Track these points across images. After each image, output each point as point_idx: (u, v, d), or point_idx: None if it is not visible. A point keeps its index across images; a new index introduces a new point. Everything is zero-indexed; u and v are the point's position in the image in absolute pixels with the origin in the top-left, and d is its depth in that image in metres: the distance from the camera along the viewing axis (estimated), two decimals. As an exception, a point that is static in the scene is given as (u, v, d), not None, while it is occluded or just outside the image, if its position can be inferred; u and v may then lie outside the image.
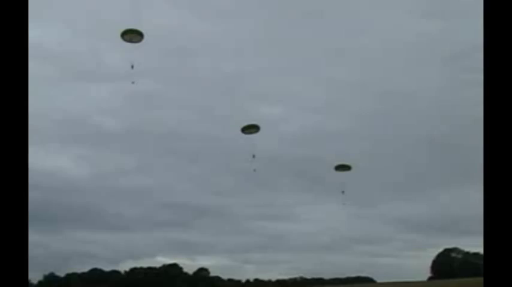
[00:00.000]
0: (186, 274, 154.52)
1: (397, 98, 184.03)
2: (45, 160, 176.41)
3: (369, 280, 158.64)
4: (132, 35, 27.74)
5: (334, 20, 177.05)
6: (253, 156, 33.84)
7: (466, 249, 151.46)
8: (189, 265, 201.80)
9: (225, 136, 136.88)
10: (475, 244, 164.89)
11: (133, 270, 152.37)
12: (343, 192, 36.53)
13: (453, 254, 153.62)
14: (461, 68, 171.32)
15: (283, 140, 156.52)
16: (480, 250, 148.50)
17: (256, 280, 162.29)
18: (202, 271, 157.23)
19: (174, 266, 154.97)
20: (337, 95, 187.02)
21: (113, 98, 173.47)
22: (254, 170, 36.13)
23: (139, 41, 28.05)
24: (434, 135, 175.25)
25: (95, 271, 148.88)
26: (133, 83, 30.09)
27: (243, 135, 32.99)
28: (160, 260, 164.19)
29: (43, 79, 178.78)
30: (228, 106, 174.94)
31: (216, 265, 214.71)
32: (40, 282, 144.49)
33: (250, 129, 32.93)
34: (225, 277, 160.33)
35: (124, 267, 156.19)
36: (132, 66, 28.62)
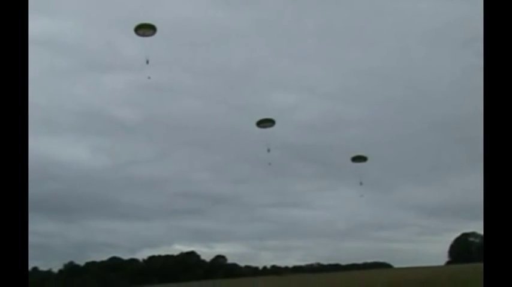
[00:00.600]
0: (203, 261, 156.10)
1: (413, 84, 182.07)
2: (62, 151, 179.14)
3: (386, 265, 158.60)
4: (145, 30, 27.84)
5: (349, 6, 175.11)
6: (268, 150, 33.58)
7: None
8: (206, 252, 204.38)
9: (239, 125, 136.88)
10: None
11: (151, 258, 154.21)
12: (361, 183, 36.18)
13: (471, 239, 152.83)
14: (478, 52, 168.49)
15: (298, 128, 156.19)
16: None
17: (273, 266, 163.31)
18: (219, 259, 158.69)
19: (192, 254, 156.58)
20: (352, 82, 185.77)
21: (129, 89, 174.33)
22: (269, 163, 36.06)
23: (152, 34, 28.16)
24: (451, 121, 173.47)
25: (113, 260, 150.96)
26: (149, 78, 30.30)
27: (258, 124, 32.55)
28: (177, 248, 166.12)
29: (58, 71, 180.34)
30: (242, 95, 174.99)
31: (233, 252, 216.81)
32: (60, 271, 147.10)
33: (265, 123, 32.41)
34: (242, 264, 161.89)
35: (142, 255, 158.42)
36: (147, 61, 28.75)
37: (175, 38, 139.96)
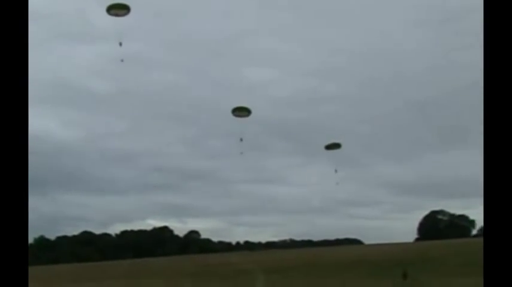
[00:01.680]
0: (176, 236, 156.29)
1: (390, 61, 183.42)
2: (33, 122, 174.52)
3: (356, 241, 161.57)
4: (117, 10, 26.91)
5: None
6: (241, 139, 32.93)
7: (452, 211, 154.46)
8: (180, 227, 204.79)
9: (216, 99, 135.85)
10: (460, 206, 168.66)
11: (124, 233, 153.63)
12: (336, 171, 36.28)
13: (439, 216, 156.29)
14: (454, 32, 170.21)
15: (275, 103, 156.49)
16: (465, 212, 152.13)
17: (246, 242, 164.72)
18: (192, 234, 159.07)
19: (165, 229, 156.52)
20: (329, 60, 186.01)
21: (102, 60, 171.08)
22: (241, 153, 35.60)
23: (125, 14, 27.25)
24: (425, 99, 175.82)
25: (85, 234, 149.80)
26: (122, 61, 29.83)
27: (233, 111, 31.39)
28: (150, 223, 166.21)
29: (30, 40, 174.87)
30: (219, 69, 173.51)
31: (207, 227, 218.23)
32: (30, 245, 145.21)
33: (241, 112, 31.28)
34: (215, 239, 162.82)
35: (114, 230, 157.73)
36: (121, 44, 28.03)
37: (150, 10, 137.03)
